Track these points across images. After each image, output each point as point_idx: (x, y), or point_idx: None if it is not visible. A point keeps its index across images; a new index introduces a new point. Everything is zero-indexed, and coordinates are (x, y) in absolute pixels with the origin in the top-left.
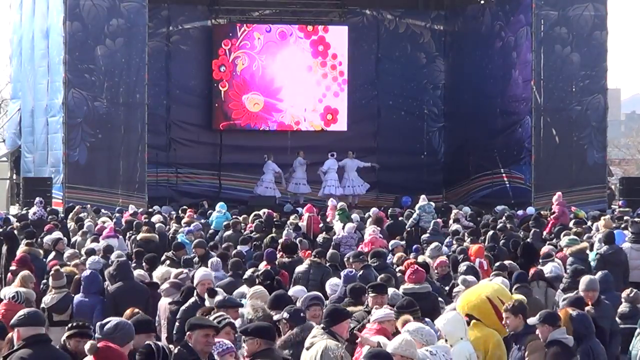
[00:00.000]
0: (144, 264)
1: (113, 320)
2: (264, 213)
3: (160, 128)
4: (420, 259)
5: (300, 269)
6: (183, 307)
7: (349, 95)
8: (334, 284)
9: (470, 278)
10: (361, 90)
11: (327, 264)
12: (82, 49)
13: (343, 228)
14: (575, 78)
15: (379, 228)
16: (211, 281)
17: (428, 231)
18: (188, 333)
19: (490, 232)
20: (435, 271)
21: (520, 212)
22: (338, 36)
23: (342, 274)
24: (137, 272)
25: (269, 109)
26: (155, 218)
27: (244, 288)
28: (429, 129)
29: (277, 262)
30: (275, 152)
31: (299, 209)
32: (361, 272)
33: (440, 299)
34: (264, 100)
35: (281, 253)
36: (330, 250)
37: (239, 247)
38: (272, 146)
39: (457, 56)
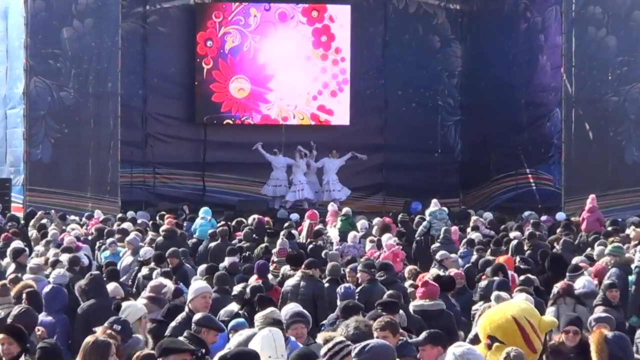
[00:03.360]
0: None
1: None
2: (254, 220)
3: (135, 122)
4: (433, 272)
5: (290, 282)
6: (173, 324)
7: (352, 84)
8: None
9: (505, 295)
10: (366, 78)
11: (327, 278)
12: (46, 31)
13: (341, 236)
14: (612, 65)
15: (394, 238)
16: (211, 294)
17: (438, 240)
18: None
19: (515, 242)
20: None
21: (544, 218)
22: (339, 16)
23: (339, 290)
24: (110, 287)
25: (255, 98)
26: (127, 225)
27: (233, 306)
28: (444, 123)
29: (281, 275)
30: (266, 149)
31: (294, 216)
32: (365, 286)
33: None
34: (250, 87)
35: (275, 265)
36: (331, 262)
37: (226, 259)
38: (264, 142)
39: (475, 40)
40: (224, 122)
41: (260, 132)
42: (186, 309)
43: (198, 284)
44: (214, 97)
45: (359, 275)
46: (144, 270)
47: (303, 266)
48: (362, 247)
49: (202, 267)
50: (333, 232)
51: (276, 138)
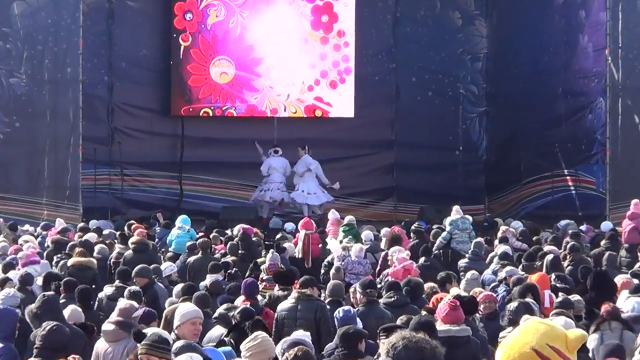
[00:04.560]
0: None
1: None
2: (239, 230)
3: (99, 114)
4: (454, 291)
5: (284, 305)
6: None
7: (357, 69)
8: None
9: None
10: (373, 62)
11: (327, 300)
12: None
13: (344, 249)
14: None
15: (407, 252)
16: (202, 319)
17: (467, 255)
18: None
19: (551, 257)
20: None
21: (585, 228)
22: None
23: (337, 314)
24: (68, 311)
25: (240, 85)
26: (90, 236)
27: (217, 329)
28: (466, 115)
29: (267, 296)
30: (260, 143)
31: (289, 225)
32: (361, 309)
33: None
34: (235, 72)
35: (264, 284)
36: (333, 281)
37: (208, 277)
38: (252, 137)
39: (503, 16)
40: (202, 112)
41: (248, 126)
42: (172, 336)
43: (186, 307)
44: (190, 80)
45: (357, 295)
46: (108, 290)
47: (298, 285)
48: (369, 263)
49: (178, 287)
50: (334, 245)
51: (267, 133)
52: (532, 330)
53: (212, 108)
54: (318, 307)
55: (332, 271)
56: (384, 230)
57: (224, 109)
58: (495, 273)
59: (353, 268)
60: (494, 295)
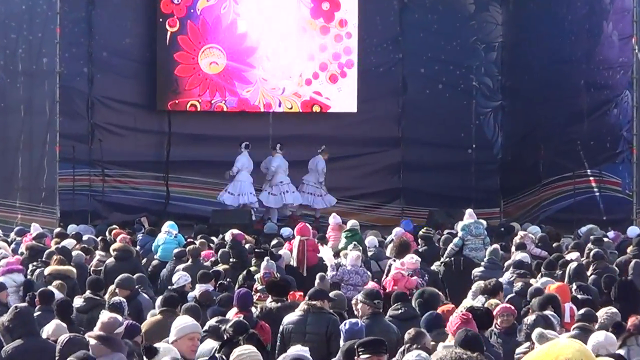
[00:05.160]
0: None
1: None
2: (231, 236)
3: (78, 109)
4: (467, 303)
5: (290, 318)
6: None
7: (360, 59)
8: None
9: (551, 334)
10: (378, 52)
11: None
12: None
13: (338, 255)
14: None
15: (416, 257)
16: (200, 334)
17: (482, 264)
18: None
19: (574, 265)
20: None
21: (611, 234)
22: None
23: (343, 326)
24: (52, 326)
25: (231, 76)
26: (68, 242)
27: (208, 343)
28: (480, 109)
29: (259, 308)
30: (252, 141)
31: (285, 230)
32: (365, 321)
33: None
34: (226, 62)
35: (259, 295)
36: (335, 292)
37: (197, 286)
38: (245, 134)
39: (520, 2)
40: (188, 105)
41: (242, 122)
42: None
43: (183, 320)
44: (177, 69)
45: (359, 307)
46: (77, 302)
47: (307, 297)
48: (367, 273)
49: (160, 298)
50: (327, 253)
51: (261, 130)
52: (569, 347)
53: (200, 101)
54: (330, 322)
55: (317, 280)
56: (393, 233)
57: (212, 102)
58: (510, 284)
59: (350, 278)
60: (512, 307)
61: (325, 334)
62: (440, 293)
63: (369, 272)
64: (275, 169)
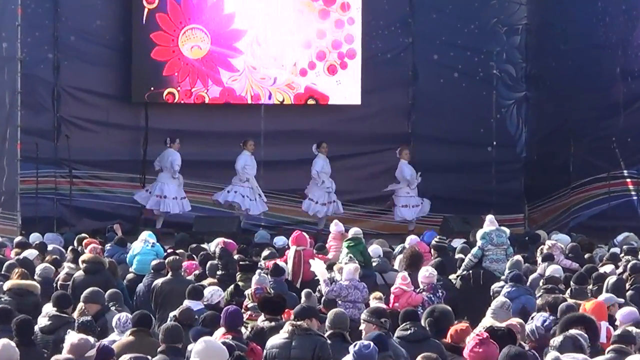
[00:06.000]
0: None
1: None
2: (218, 245)
3: (42, 100)
4: (487, 322)
5: (274, 341)
6: None
7: (364, 44)
8: None
9: (580, 358)
10: (385, 37)
11: (328, 333)
12: None
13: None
14: None
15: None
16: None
17: (503, 278)
18: None
19: (613, 279)
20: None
21: None
22: None
23: (353, 349)
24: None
25: (215, 62)
26: (31, 253)
27: None
28: (501, 101)
29: (250, 328)
30: (241, 137)
31: (279, 240)
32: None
33: None
34: (210, 46)
35: (249, 313)
36: (335, 310)
37: (186, 302)
38: (233, 130)
39: None
40: (165, 94)
41: (229, 115)
42: None
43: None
44: (154, 52)
45: (362, 327)
46: (42, 321)
47: (293, 316)
48: (366, 289)
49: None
50: (318, 267)
51: (251, 124)
52: None
53: (179, 89)
54: (317, 344)
55: (303, 297)
56: (406, 241)
57: (193, 90)
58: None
59: (349, 294)
60: (542, 327)
61: (312, 358)
62: (452, 311)
63: (367, 288)
64: (319, 173)
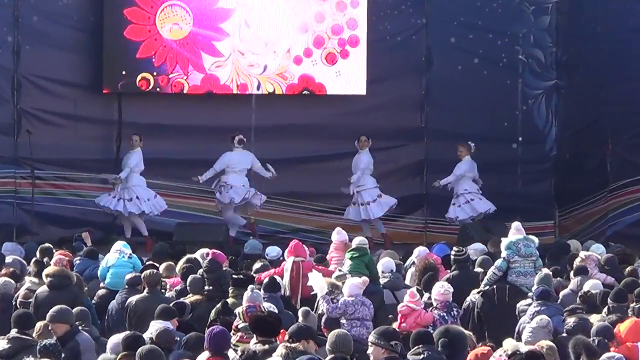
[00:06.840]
0: None
1: None
2: (206, 257)
3: (1, 90)
4: (509, 345)
5: None
6: None
7: (370, 25)
8: None
9: None
10: (394, 17)
11: (329, 357)
12: None
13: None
14: None
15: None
16: None
17: (529, 295)
18: None
19: None
20: None
21: None
22: None
23: None
24: None
25: (197, 44)
26: None
27: None
28: (528, 91)
29: (240, 352)
30: (229, 131)
31: (272, 250)
32: None
33: None
34: (191, 27)
35: (240, 335)
36: (337, 331)
37: (157, 323)
38: (220, 123)
39: None
40: (139, 79)
41: (213, 107)
42: None
43: None
44: (127, 30)
45: (370, 350)
46: (1, 344)
47: (287, 336)
48: (371, 305)
49: (115, 338)
50: (317, 281)
51: (241, 118)
52: None
53: (155, 74)
54: None
55: (300, 316)
56: (414, 254)
57: (170, 76)
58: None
59: (355, 311)
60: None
61: None
62: (465, 332)
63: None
64: (363, 170)
